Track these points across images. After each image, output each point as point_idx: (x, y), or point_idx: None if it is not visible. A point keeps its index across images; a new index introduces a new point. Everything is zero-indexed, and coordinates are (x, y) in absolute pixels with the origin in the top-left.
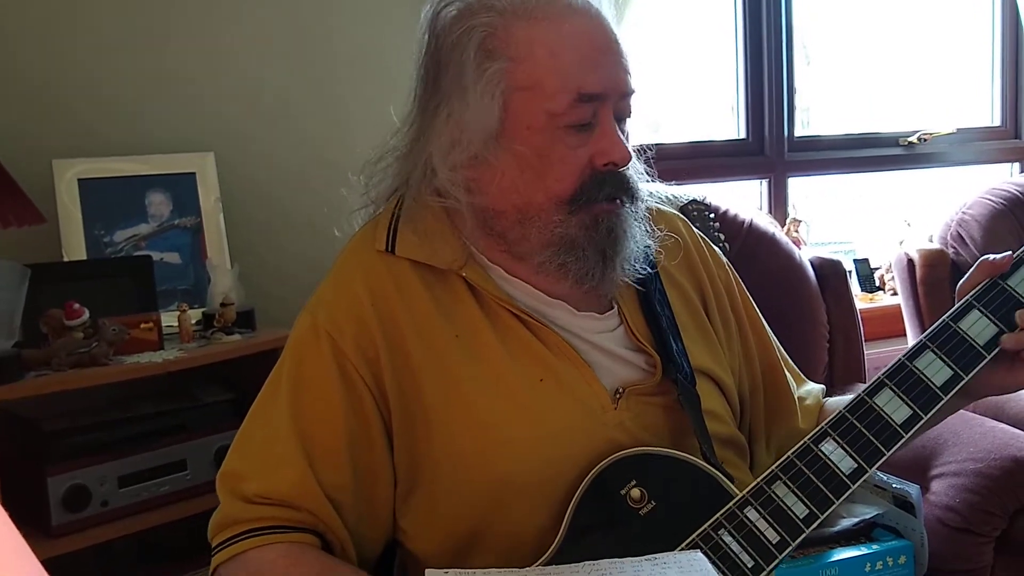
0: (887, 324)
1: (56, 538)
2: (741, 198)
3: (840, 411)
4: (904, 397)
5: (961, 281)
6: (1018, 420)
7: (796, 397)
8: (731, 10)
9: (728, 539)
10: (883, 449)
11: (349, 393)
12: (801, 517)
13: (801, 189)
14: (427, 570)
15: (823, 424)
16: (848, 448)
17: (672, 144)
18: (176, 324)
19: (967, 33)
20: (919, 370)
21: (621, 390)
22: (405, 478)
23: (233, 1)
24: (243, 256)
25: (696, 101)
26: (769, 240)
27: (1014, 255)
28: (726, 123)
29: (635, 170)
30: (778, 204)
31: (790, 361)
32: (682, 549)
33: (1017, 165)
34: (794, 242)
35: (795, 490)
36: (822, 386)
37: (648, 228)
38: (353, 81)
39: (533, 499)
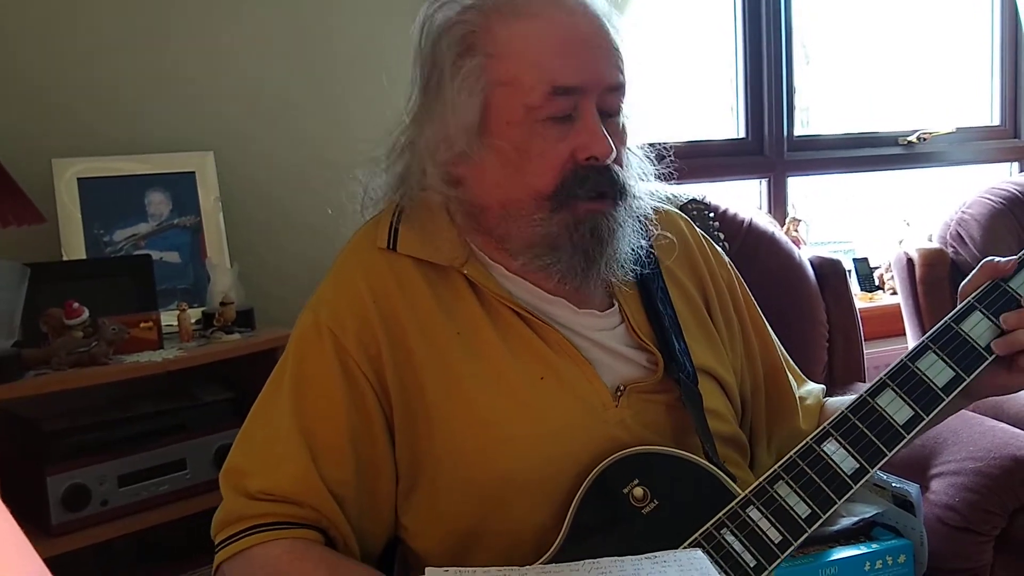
0: (886, 323)
1: (56, 537)
2: (740, 197)
3: (842, 411)
4: (906, 398)
5: (963, 282)
6: (1018, 419)
7: (797, 397)
8: (731, 9)
9: (730, 538)
10: (885, 450)
11: (351, 390)
12: (803, 517)
13: (800, 188)
14: (427, 568)
15: (825, 424)
16: (850, 448)
17: (671, 143)
18: (176, 323)
19: (966, 32)
20: (921, 371)
21: (622, 388)
22: (406, 475)
23: (233, 1)
24: (242, 255)
25: (695, 100)
26: (769, 239)
27: (1018, 258)
28: (725, 122)
29: (634, 168)
30: (778, 203)
31: (791, 361)
32: (684, 548)
33: (1016, 164)
34: (794, 241)
35: (797, 490)
36: (822, 386)
37: (643, 228)
38: (353, 81)
39: (534, 497)
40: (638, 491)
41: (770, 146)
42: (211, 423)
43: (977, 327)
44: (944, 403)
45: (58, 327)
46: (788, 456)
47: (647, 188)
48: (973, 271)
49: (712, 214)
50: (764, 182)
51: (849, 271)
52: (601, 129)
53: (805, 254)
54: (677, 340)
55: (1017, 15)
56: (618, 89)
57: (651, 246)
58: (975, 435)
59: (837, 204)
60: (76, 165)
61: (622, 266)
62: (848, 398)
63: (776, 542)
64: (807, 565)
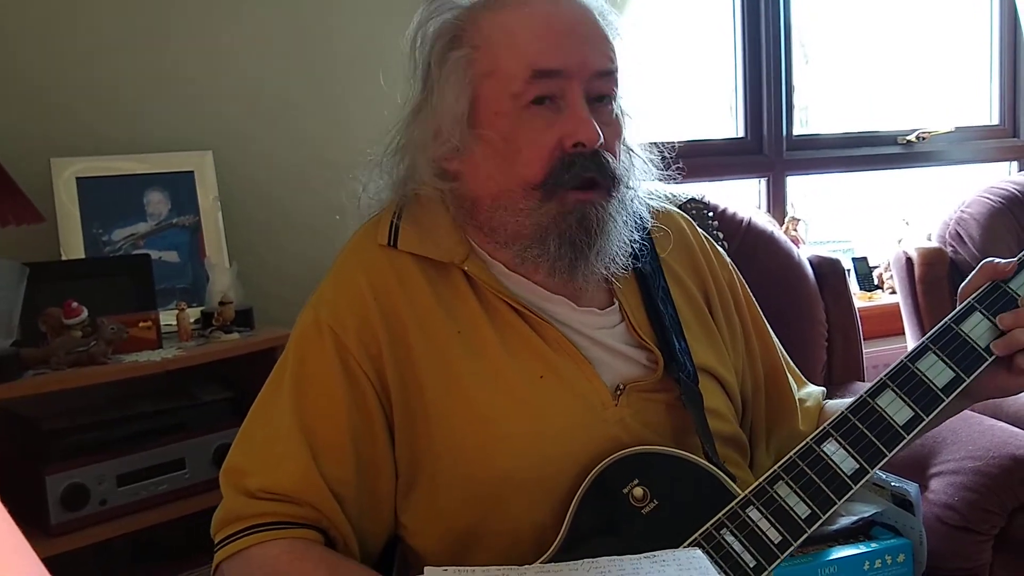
0: (886, 323)
1: (55, 537)
2: (740, 197)
3: (842, 412)
4: (906, 398)
5: (963, 283)
6: (1017, 418)
7: (797, 399)
8: (730, 9)
9: (730, 539)
10: (885, 450)
11: (352, 388)
12: (803, 517)
13: (800, 188)
14: (426, 568)
15: (825, 424)
16: (850, 449)
17: (671, 143)
18: (175, 323)
19: (966, 32)
20: (921, 371)
21: (622, 386)
22: (406, 472)
23: (233, 1)
24: (241, 255)
25: (695, 100)
26: (768, 239)
27: (1018, 260)
28: (724, 122)
29: (636, 167)
30: (777, 203)
31: (791, 363)
32: (683, 548)
33: (1016, 164)
34: (793, 241)
35: (797, 490)
36: (822, 388)
37: (639, 222)
38: (353, 81)
39: (533, 496)
40: (638, 491)
41: (769, 145)
42: (210, 422)
43: (977, 328)
44: (944, 404)
45: (57, 326)
46: (788, 456)
47: (647, 187)
48: (973, 272)
49: (711, 213)
50: (763, 181)
51: (848, 270)
52: (587, 115)
53: (804, 253)
54: (678, 339)
55: (1016, 15)
56: (606, 75)
57: (651, 241)
58: (974, 434)
59: (836, 203)
60: (75, 164)
61: (614, 260)
62: (848, 400)
63: (776, 542)
64: (806, 564)
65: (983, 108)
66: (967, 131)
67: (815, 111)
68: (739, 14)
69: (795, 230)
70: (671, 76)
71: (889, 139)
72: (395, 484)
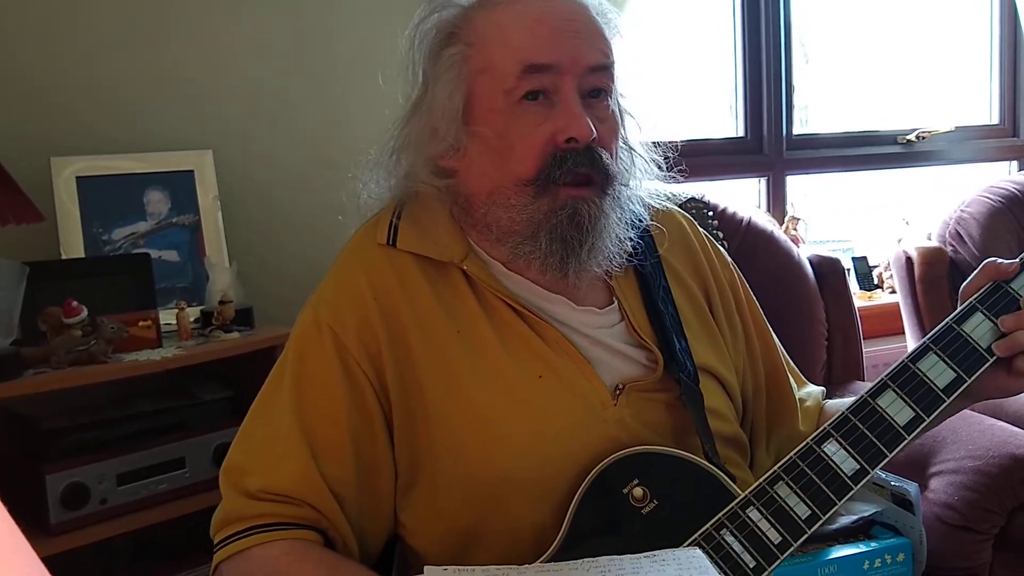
0: (886, 322)
1: (55, 536)
2: (739, 196)
3: (843, 412)
4: (907, 399)
5: (964, 283)
6: (1017, 418)
7: (797, 399)
8: (730, 8)
9: (730, 539)
10: (885, 451)
11: (352, 388)
12: (803, 518)
13: (799, 187)
14: (426, 567)
15: (826, 425)
16: (850, 449)
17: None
18: (174, 322)
19: (966, 31)
20: (922, 372)
21: (621, 386)
22: (405, 472)
23: (233, 1)
24: (241, 254)
25: (695, 99)
26: (768, 238)
27: (1020, 260)
28: (724, 121)
29: (637, 166)
30: (776, 202)
31: (791, 363)
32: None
33: (1015, 163)
34: (793, 240)
35: (797, 491)
36: (822, 388)
37: (634, 220)
38: (352, 81)
39: (533, 496)
40: (638, 491)
41: (769, 145)
42: (210, 422)
43: (978, 328)
44: (945, 404)
45: (57, 326)
46: (788, 457)
47: (646, 186)
48: (974, 272)
49: (711, 213)
50: (763, 181)
51: (848, 270)
52: (580, 110)
53: (804, 253)
54: (678, 339)
55: (1016, 14)
56: (601, 70)
57: (650, 240)
58: (974, 434)
59: (836, 203)
60: (75, 164)
61: (608, 258)
62: (848, 400)
63: (776, 543)
64: (806, 564)
65: (983, 107)
66: (967, 130)
67: (815, 110)
68: (739, 13)
69: (795, 229)
70: (671, 75)
71: (889, 138)
72: (395, 484)
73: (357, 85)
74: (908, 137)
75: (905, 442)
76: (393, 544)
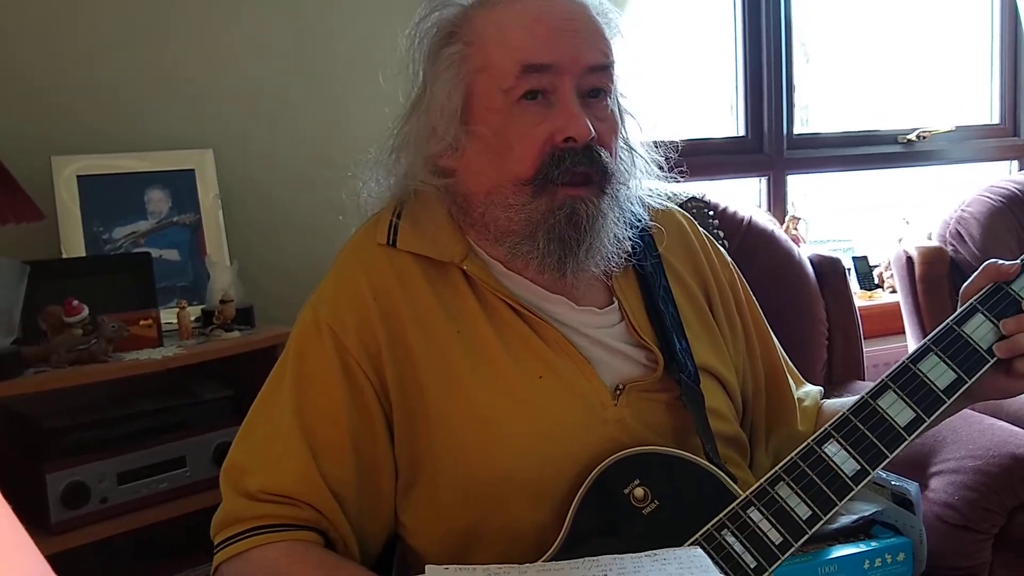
0: (886, 322)
1: (55, 535)
2: (740, 196)
3: (844, 413)
4: (907, 400)
5: (965, 284)
6: (1017, 417)
7: (796, 399)
8: (730, 8)
9: (731, 539)
10: (886, 452)
11: (351, 387)
12: (804, 518)
13: (800, 186)
14: (428, 566)
15: (826, 426)
16: (851, 450)
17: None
18: (175, 321)
19: (966, 31)
20: (923, 373)
21: (621, 386)
22: (406, 472)
23: (233, 1)
24: (242, 253)
25: (695, 98)
26: (768, 238)
27: (1020, 262)
28: (725, 120)
29: (637, 165)
30: (777, 201)
31: (790, 363)
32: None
33: (1016, 163)
34: (793, 240)
35: (798, 491)
36: (820, 388)
37: (634, 219)
38: (352, 81)
39: (533, 496)
40: (639, 491)
41: (769, 144)
42: (211, 421)
43: (979, 329)
44: (945, 405)
45: (57, 325)
46: (789, 457)
47: (646, 185)
48: (975, 273)
49: (711, 212)
50: (763, 180)
51: (848, 269)
52: (578, 110)
53: (804, 252)
54: (679, 339)
55: (1017, 13)
56: (600, 69)
57: (651, 239)
58: (974, 433)
59: (836, 202)
60: (75, 162)
61: (606, 257)
62: (846, 400)
63: (777, 543)
64: (806, 563)
65: (983, 107)
66: (967, 130)
67: (816, 110)
68: (740, 13)
69: (795, 229)
70: (671, 75)
71: (889, 138)
72: (395, 484)
73: (357, 85)
74: (908, 136)
75: (905, 443)
76: (393, 544)
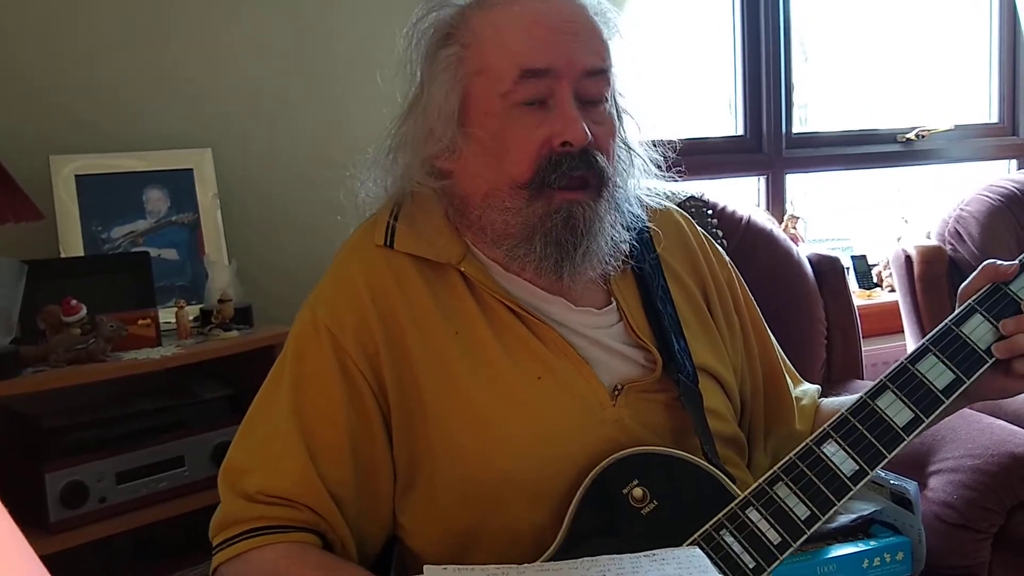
0: (885, 321)
1: (54, 534)
2: (739, 195)
3: (842, 413)
4: (906, 400)
5: (963, 284)
6: (1016, 417)
7: (794, 398)
8: (729, 7)
9: (730, 539)
10: (884, 452)
11: (349, 388)
12: (802, 518)
13: (799, 185)
14: (426, 566)
15: (825, 426)
16: (850, 450)
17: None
18: (174, 320)
19: (965, 30)
20: (921, 373)
21: (620, 387)
22: (404, 473)
23: (233, 1)
24: (241, 252)
25: (694, 97)
26: (767, 237)
27: (1019, 262)
28: (724, 120)
29: (636, 166)
30: (776, 201)
31: (788, 362)
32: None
33: (1015, 162)
34: (792, 239)
35: (797, 491)
36: (817, 387)
37: (630, 221)
38: (352, 81)
39: (532, 496)
40: (637, 492)
41: (768, 143)
42: (209, 420)
43: (978, 330)
44: (944, 405)
45: (56, 324)
46: (788, 457)
47: (645, 185)
48: (973, 273)
49: (710, 211)
50: (762, 179)
51: (847, 268)
52: (575, 113)
53: (803, 251)
54: (677, 339)
55: (1016, 12)
56: (597, 74)
57: (649, 239)
58: (973, 432)
59: (835, 201)
60: (74, 162)
61: (603, 260)
62: (844, 399)
63: (775, 543)
64: (805, 562)
65: (982, 106)
66: (966, 129)
67: (814, 109)
68: (739, 12)
69: (794, 228)
70: (670, 74)
71: (888, 137)
72: (393, 485)
73: (357, 85)
74: (907, 135)
75: (904, 443)
76: (391, 545)
